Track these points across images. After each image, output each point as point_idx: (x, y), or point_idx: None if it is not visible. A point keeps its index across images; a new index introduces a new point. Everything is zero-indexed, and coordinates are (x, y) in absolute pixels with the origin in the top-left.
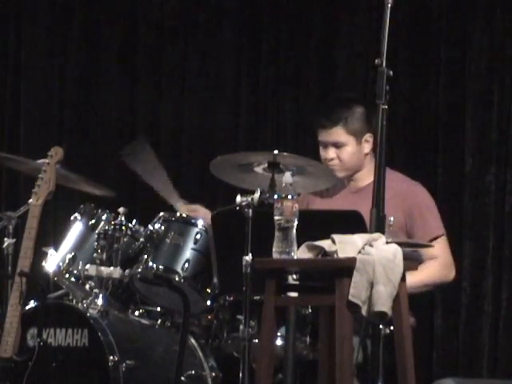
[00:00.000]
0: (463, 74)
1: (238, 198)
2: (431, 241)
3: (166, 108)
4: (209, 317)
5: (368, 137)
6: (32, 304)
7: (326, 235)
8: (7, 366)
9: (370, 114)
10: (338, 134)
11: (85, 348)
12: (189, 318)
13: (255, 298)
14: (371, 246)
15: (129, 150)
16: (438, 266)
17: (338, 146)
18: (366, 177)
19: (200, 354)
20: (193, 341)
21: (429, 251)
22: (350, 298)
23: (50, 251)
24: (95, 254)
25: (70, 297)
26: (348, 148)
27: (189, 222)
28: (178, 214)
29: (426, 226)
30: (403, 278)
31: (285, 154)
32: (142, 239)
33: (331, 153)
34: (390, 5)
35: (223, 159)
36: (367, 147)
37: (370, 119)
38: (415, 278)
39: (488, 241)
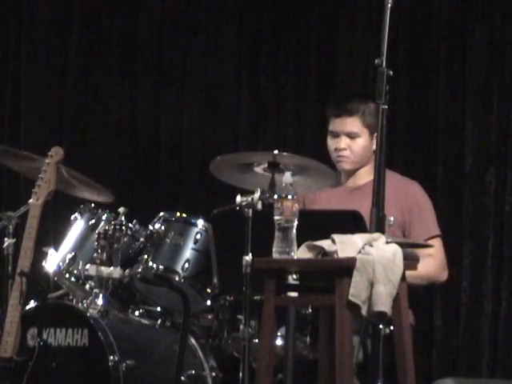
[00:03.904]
0: (463, 74)
1: (238, 198)
2: (427, 240)
3: (166, 108)
4: (209, 317)
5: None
6: (32, 304)
7: (326, 235)
8: (7, 365)
9: None
10: (354, 124)
11: (85, 348)
12: (189, 318)
13: (255, 297)
14: (371, 245)
15: None
16: (433, 263)
17: (351, 136)
18: (366, 175)
19: (200, 354)
20: (193, 341)
21: (425, 250)
22: (350, 297)
23: (50, 251)
24: (95, 254)
25: (70, 297)
26: (361, 140)
27: (189, 222)
28: (178, 214)
29: (423, 225)
30: (403, 278)
31: (285, 153)
32: (142, 239)
33: (343, 143)
34: (389, 5)
35: (223, 159)
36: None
37: None
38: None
39: (488, 241)
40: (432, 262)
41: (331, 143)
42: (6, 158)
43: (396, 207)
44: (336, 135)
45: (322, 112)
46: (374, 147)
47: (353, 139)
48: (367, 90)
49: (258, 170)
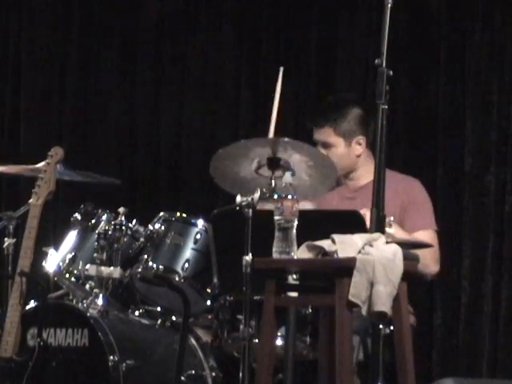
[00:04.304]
0: (463, 74)
1: (238, 198)
2: (421, 231)
3: (166, 108)
4: (209, 317)
5: (360, 139)
6: (32, 304)
7: (326, 235)
8: (7, 366)
9: (366, 116)
10: (327, 134)
11: (85, 348)
12: (189, 318)
13: (255, 297)
14: (371, 245)
15: None
16: (426, 251)
17: (326, 146)
18: (364, 176)
19: (200, 353)
20: (193, 341)
21: (419, 240)
22: (350, 297)
23: (50, 251)
24: (95, 254)
25: (70, 297)
26: (337, 149)
27: (189, 222)
28: (178, 214)
29: (417, 218)
30: (403, 278)
31: (286, 139)
32: (142, 239)
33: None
34: (389, 5)
35: (224, 152)
36: (359, 149)
37: (366, 122)
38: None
39: (488, 241)
40: (427, 252)
41: None
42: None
43: (396, 206)
44: (316, 144)
45: None
46: (357, 152)
47: (328, 149)
48: (350, 94)
49: (258, 168)
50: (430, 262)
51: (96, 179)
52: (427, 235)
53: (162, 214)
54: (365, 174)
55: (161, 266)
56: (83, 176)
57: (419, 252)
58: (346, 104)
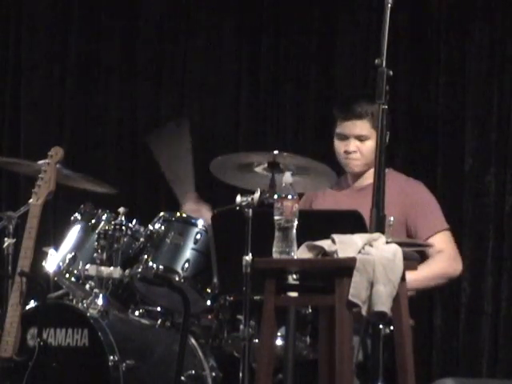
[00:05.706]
0: (463, 74)
1: (238, 198)
2: (435, 235)
3: (166, 108)
4: (209, 317)
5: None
6: (32, 304)
7: (326, 235)
8: (7, 366)
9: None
10: (364, 127)
11: (85, 348)
12: (189, 318)
13: (255, 298)
14: (371, 245)
15: (165, 130)
16: (445, 258)
17: (361, 139)
18: (371, 176)
19: (200, 353)
20: (193, 341)
21: (435, 247)
22: (350, 297)
23: (50, 251)
24: (95, 254)
25: (70, 297)
26: (370, 142)
27: (189, 222)
28: (178, 214)
29: (428, 222)
30: (403, 278)
31: (285, 154)
32: (142, 239)
33: (353, 145)
34: (389, 5)
35: (224, 159)
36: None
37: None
38: (425, 272)
39: (488, 241)
40: (444, 257)
41: (340, 145)
42: (7, 166)
43: (399, 207)
44: (345, 138)
45: (322, 112)
46: None
47: (362, 141)
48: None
49: (258, 169)
50: (451, 264)
51: (93, 184)
52: (443, 237)
53: (162, 213)
54: (371, 174)
55: (161, 266)
56: (81, 182)
57: (439, 261)
58: (374, 99)
